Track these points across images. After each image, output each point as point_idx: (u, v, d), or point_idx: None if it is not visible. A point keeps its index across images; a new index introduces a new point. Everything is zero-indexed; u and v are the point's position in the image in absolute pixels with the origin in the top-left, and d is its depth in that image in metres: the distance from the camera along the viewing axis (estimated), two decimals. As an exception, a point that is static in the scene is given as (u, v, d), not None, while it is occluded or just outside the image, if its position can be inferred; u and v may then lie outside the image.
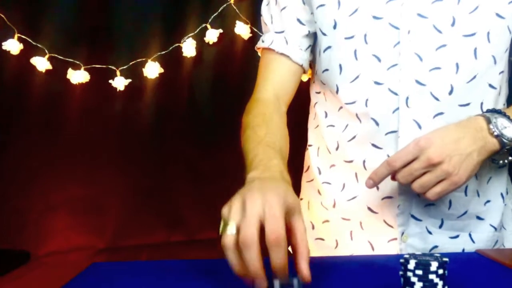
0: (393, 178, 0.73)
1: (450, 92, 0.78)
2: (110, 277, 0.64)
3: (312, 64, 0.93)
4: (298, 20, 0.88)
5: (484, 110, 0.79)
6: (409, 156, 0.69)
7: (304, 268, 0.53)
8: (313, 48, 0.91)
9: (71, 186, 1.58)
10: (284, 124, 0.85)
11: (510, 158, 0.75)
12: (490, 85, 0.80)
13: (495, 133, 0.70)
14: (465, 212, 0.82)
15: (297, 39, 0.88)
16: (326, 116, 0.89)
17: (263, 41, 0.91)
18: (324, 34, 0.85)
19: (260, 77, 0.90)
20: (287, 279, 0.53)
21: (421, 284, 0.48)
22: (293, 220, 0.55)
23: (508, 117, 0.72)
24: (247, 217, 0.53)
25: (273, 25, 0.90)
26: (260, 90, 0.89)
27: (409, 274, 0.49)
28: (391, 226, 0.83)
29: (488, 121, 0.71)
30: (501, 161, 0.76)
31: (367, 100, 0.81)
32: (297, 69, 0.89)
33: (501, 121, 0.71)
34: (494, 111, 0.74)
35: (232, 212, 0.55)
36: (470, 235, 0.83)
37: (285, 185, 0.61)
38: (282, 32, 0.88)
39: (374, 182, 0.74)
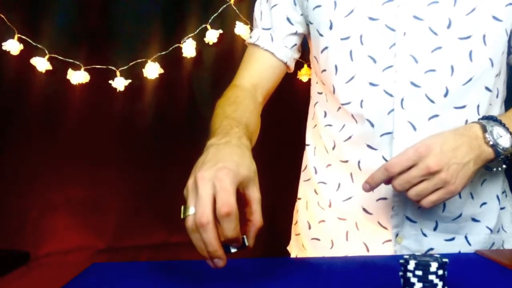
0: (388, 183, 0.71)
1: (446, 95, 0.77)
2: (111, 278, 0.64)
3: (313, 64, 0.93)
4: (288, 19, 0.89)
5: (480, 113, 0.79)
6: (408, 162, 0.68)
7: (251, 237, 0.57)
8: (312, 49, 0.92)
9: (71, 186, 1.58)
10: (255, 108, 0.84)
11: (504, 166, 0.74)
12: (487, 88, 0.79)
13: (491, 143, 0.69)
14: (460, 215, 0.81)
15: (283, 36, 0.89)
16: (325, 115, 0.90)
17: (250, 37, 0.93)
18: (321, 35, 0.85)
19: (240, 67, 0.92)
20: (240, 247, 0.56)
21: (420, 284, 0.48)
22: (247, 191, 0.57)
23: (504, 125, 0.71)
24: (200, 197, 0.54)
25: (262, 21, 0.91)
26: (238, 78, 0.90)
27: (409, 274, 0.49)
28: (385, 228, 0.82)
29: (484, 130, 0.70)
30: (494, 169, 0.75)
31: (362, 101, 0.81)
32: (279, 65, 0.90)
33: (496, 130, 0.70)
34: (490, 118, 0.72)
35: (188, 193, 0.56)
36: (466, 237, 0.82)
37: (240, 150, 0.61)
38: (269, 29, 0.90)
39: (370, 187, 0.72)
